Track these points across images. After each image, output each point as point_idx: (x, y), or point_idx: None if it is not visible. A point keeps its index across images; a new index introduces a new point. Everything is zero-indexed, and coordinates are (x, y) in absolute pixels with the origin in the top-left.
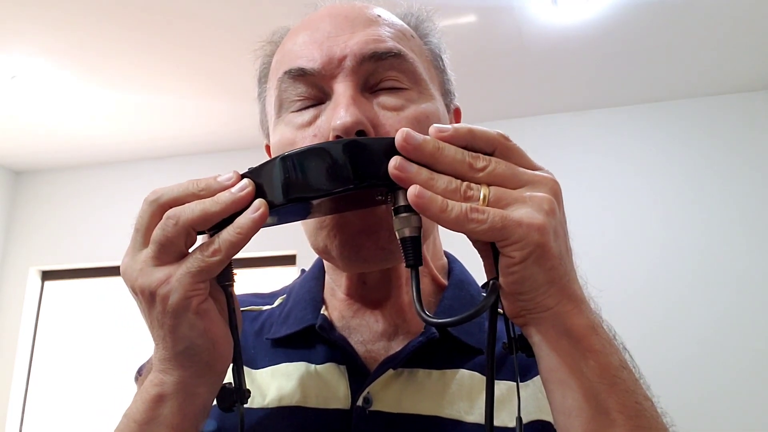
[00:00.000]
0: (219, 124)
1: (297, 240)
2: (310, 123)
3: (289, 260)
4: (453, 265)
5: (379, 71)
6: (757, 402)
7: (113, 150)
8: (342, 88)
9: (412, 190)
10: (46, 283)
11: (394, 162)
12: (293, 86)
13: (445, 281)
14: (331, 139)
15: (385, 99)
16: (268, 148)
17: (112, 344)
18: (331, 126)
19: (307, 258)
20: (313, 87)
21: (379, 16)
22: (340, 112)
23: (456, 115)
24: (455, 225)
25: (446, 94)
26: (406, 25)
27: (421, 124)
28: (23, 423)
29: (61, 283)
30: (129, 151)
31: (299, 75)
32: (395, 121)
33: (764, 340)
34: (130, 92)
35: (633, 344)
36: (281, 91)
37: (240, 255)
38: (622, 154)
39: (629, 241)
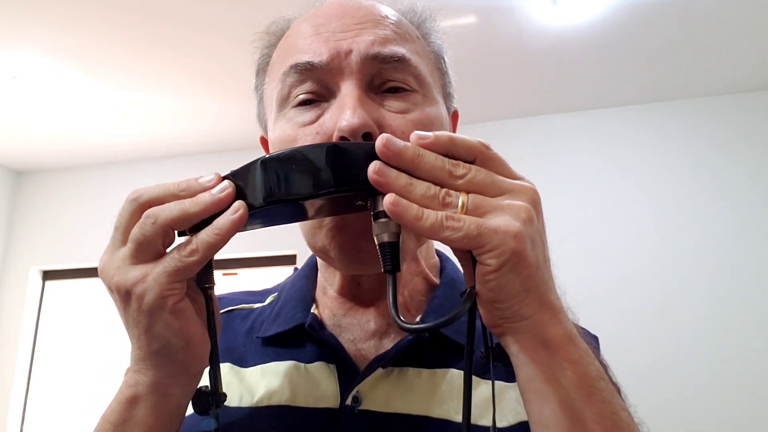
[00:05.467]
0: (219, 124)
1: (297, 240)
2: (312, 121)
3: (289, 260)
4: (445, 264)
5: (384, 73)
6: (751, 401)
7: (114, 150)
8: (348, 88)
9: (388, 198)
10: (47, 282)
11: (373, 167)
12: (299, 81)
13: (436, 280)
14: (335, 139)
15: (391, 101)
16: (263, 140)
17: (113, 344)
18: (337, 126)
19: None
20: (319, 83)
21: (386, 16)
22: (346, 113)
23: (453, 118)
24: (430, 233)
25: (447, 96)
26: (412, 27)
27: (426, 128)
28: (24, 423)
29: (62, 282)
30: (129, 152)
31: (306, 69)
32: (401, 123)
33: (762, 340)
34: (131, 92)
35: (628, 344)
36: (285, 85)
37: (240, 255)
38: (621, 154)
39: (627, 241)
